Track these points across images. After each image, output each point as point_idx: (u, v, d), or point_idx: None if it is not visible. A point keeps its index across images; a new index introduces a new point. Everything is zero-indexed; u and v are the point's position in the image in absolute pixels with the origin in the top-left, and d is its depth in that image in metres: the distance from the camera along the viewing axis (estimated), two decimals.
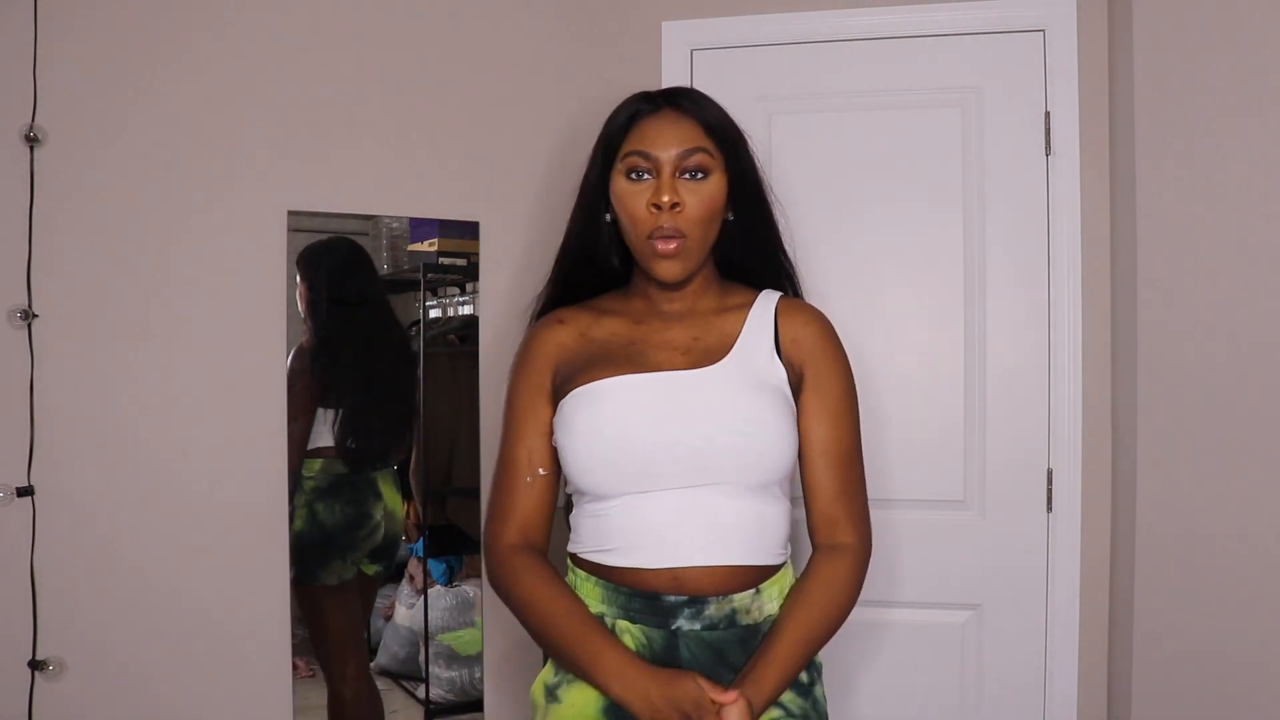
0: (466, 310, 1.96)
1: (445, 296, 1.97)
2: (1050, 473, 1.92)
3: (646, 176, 1.32)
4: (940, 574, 1.95)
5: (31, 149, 1.59)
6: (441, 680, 1.95)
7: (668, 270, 1.32)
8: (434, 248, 1.91)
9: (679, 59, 2.03)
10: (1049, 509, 1.92)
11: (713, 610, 1.26)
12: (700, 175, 1.32)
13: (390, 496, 1.90)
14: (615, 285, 1.45)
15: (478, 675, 1.94)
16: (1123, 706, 1.81)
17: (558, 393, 1.35)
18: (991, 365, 1.94)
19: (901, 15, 1.95)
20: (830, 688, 1.95)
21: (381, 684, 1.96)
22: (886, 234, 1.97)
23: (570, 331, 1.39)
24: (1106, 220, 1.90)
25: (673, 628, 1.26)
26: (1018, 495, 1.93)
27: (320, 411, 1.81)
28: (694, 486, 1.25)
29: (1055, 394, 1.91)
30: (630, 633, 1.27)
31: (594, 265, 1.42)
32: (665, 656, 1.26)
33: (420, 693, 1.95)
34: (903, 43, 1.96)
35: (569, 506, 1.40)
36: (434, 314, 1.97)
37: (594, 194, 1.39)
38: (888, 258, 1.97)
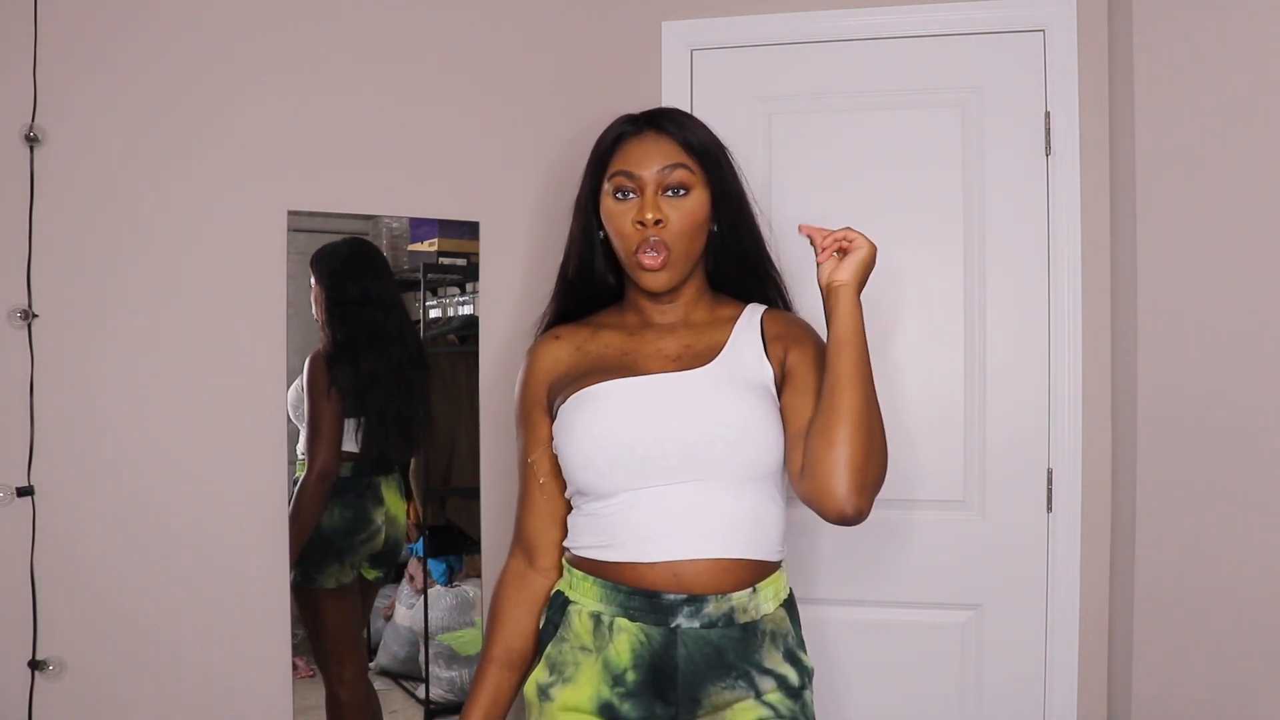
0: (466, 310, 1.96)
1: (445, 296, 1.97)
2: (1050, 473, 1.92)
3: (632, 195, 1.39)
4: (940, 574, 1.95)
5: (31, 149, 1.60)
6: (441, 680, 1.95)
7: (654, 282, 1.38)
8: (434, 248, 1.91)
9: (679, 59, 2.03)
10: (1049, 509, 1.92)
11: (711, 609, 1.28)
12: (682, 191, 1.38)
13: (393, 501, 1.90)
14: (614, 300, 1.51)
15: None
16: (1123, 706, 1.81)
17: (555, 405, 1.40)
18: (991, 365, 1.94)
19: (901, 15, 1.95)
20: (830, 687, 1.96)
21: (381, 684, 1.96)
22: (886, 234, 1.95)
23: (566, 347, 1.46)
24: (1106, 220, 1.90)
25: (671, 625, 1.28)
26: (1018, 495, 1.93)
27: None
28: (691, 481, 1.29)
29: (1055, 394, 1.91)
30: (628, 630, 1.29)
31: (592, 281, 1.49)
32: (663, 654, 1.28)
33: (420, 693, 1.95)
34: (903, 43, 1.96)
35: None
36: (434, 314, 1.97)
37: (587, 213, 1.46)
38: (888, 257, 1.96)
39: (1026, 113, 1.92)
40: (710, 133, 1.44)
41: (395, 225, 1.89)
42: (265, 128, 1.75)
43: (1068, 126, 1.90)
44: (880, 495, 1.26)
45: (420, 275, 1.92)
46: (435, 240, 1.91)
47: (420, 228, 1.90)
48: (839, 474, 1.21)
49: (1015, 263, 1.93)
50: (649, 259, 1.36)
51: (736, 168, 1.46)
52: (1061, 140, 1.90)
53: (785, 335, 1.41)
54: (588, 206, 1.46)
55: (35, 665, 1.60)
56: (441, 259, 1.92)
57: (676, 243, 1.37)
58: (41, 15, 1.60)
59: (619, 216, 1.39)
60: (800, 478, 1.27)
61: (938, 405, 1.95)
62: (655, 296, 1.42)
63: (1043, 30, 1.91)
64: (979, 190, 1.94)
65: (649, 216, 1.35)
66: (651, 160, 1.38)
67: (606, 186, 1.41)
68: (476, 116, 1.93)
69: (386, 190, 1.86)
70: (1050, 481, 1.92)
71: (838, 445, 1.22)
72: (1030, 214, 1.92)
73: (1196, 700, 1.73)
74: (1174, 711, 1.74)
